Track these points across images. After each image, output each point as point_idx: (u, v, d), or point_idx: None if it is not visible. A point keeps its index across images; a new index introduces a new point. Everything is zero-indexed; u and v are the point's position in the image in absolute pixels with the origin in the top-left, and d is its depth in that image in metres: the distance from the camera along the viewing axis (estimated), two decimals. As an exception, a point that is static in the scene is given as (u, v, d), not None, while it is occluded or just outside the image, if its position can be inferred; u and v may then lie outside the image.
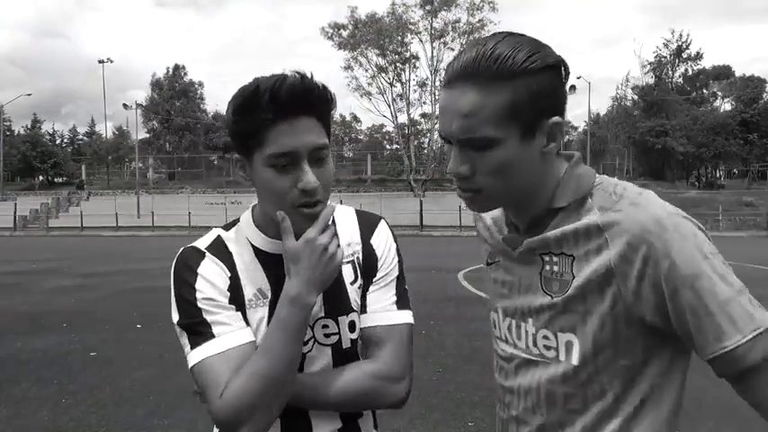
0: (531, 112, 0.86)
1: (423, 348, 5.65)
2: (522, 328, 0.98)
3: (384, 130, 58.60)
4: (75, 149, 61.01)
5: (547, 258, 0.94)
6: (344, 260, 1.11)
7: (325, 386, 1.05)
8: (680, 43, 47.18)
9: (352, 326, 1.11)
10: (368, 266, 1.14)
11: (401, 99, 40.51)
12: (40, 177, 50.50)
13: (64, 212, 37.09)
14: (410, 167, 39.32)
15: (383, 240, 1.17)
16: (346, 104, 51.87)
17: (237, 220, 1.15)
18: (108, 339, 6.17)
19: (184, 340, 1.03)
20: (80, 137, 64.03)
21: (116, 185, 45.79)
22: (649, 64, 47.25)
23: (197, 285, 1.04)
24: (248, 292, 1.07)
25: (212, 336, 1.01)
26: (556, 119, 0.88)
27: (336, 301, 1.10)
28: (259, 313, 1.07)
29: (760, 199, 32.49)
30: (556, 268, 0.93)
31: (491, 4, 37.21)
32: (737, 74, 51.53)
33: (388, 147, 59.09)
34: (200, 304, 1.03)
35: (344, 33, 38.45)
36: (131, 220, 32.87)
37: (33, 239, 26.56)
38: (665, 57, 47.75)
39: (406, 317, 1.13)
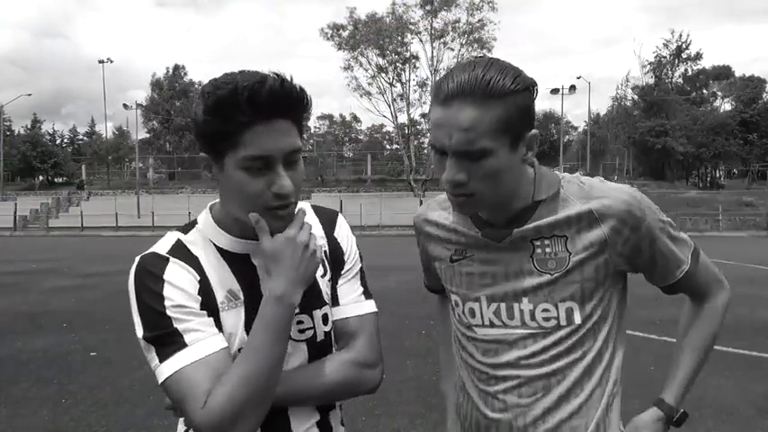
0: (518, 125, 1.01)
1: (423, 348, 5.66)
2: (515, 309, 1.15)
3: (384, 130, 58.67)
4: (75, 149, 61.00)
5: (538, 243, 1.12)
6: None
7: (307, 381, 1.06)
8: (680, 43, 47.19)
9: (325, 319, 1.13)
10: (335, 259, 1.18)
11: (401, 99, 40.54)
12: (40, 177, 50.49)
13: (64, 212, 37.09)
14: (410, 167, 39.30)
15: (345, 234, 1.21)
16: (346, 104, 51.84)
17: (195, 222, 1.11)
18: (108, 339, 6.18)
19: (152, 354, 0.98)
20: (80, 137, 64.04)
21: (116, 185, 45.79)
22: (649, 64, 47.26)
23: (165, 293, 0.98)
24: (219, 294, 1.04)
25: (185, 345, 0.96)
26: (534, 132, 1.06)
27: (310, 295, 1.10)
28: (233, 315, 1.04)
29: (760, 199, 32.49)
30: (548, 249, 1.12)
31: (491, 4, 37.26)
32: (737, 74, 51.57)
33: (388, 147, 59.10)
34: (169, 313, 0.97)
35: (344, 34, 38.45)
36: (131, 220, 32.88)
37: (33, 239, 26.56)
38: (665, 57, 47.74)
39: (373, 306, 1.19)
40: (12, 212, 33.09)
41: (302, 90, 0.97)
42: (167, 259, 1.02)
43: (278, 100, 0.93)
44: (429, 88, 39.81)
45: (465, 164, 1.01)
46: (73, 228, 31.97)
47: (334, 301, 1.16)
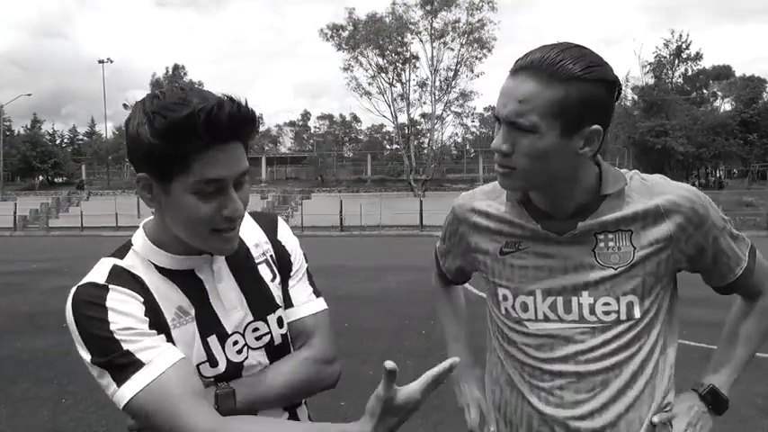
0: (575, 114, 1.00)
1: (423, 348, 5.66)
2: (574, 303, 1.14)
3: (384, 130, 58.54)
4: (75, 149, 61.02)
5: (602, 237, 1.12)
6: (258, 260, 1.15)
7: (271, 382, 1.07)
8: (680, 43, 47.15)
9: (279, 322, 1.14)
10: (282, 262, 1.19)
11: (401, 99, 40.51)
12: (40, 177, 50.46)
13: (64, 212, 37.07)
14: (410, 167, 39.28)
15: (288, 236, 1.22)
16: (346, 104, 51.86)
17: (128, 246, 1.08)
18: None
19: (106, 379, 0.94)
20: (80, 137, 64.09)
21: (116, 185, 45.75)
22: (649, 64, 47.22)
23: (109, 318, 0.95)
24: (168, 312, 1.01)
25: (141, 364, 0.93)
26: (596, 127, 1.03)
27: (262, 301, 1.12)
28: (185, 330, 1.02)
29: (760, 199, 32.46)
30: (612, 244, 1.12)
31: (490, 4, 37.22)
32: (738, 74, 51.54)
33: (388, 147, 59.02)
34: (117, 336, 0.94)
35: (344, 34, 38.44)
36: (131, 220, 32.81)
37: (33, 239, 26.56)
38: (665, 57, 47.71)
39: (324, 303, 1.21)
40: (12, 212, 33.07)
41: (254, 113, 0.95)
42: (106, 287, 0.98)
43: (235, 124, 0.91)
44: (429, 88, 39.85)
45: (513, 135, 1.03)
46: (73, 228, 31.95)
47: (287, 304, 1.17)
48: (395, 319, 7.02)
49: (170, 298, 1.03)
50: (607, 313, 1.12)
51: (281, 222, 1.24)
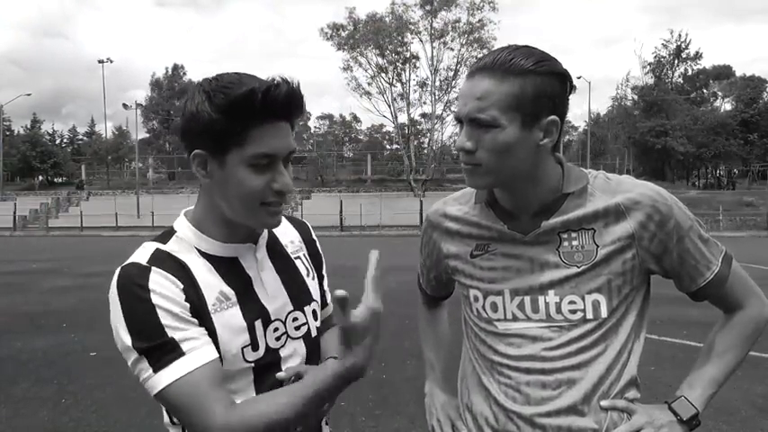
0: (532, 106, 1.04)
1: (423, 348, 5.66)
2: (541, 302, 1.15)
3: (384, 130, 58.59)
4: (74, 149, 60.99)
5: (565, 236, 1.13)
6: (293, 256, 1.22)
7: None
8: (679, 43, 47.17)
9: (314, 314, 1.20)
10: (316, 261, 1.29)
11: (401, 99, 40.55)
12: (40, 177, 50.47)
13: (64, 212, 37.09)
14: (410, 167, 39.30)
15: (316, 238, 1.32)
16: (346, 104, 51.85)
17: (172, 231, 1.10)
18: (108, 339, 6.03)
19: (142, 364, 0.97)
20: (80, 137, 64.05)
21: (116, 185, 45.78)
22: (649, 64, 47.24)
23: (154, 302, 0.97)
24: (210, 297, 1.03)
25: (182, 353, 0.96)
26: (553, 118, 1.07)
27: (300, 292, 1.17)
28: (228, 314, 1.04)
29: (760, 199, 32.47)
30: (575, 242, 1.13)
31: (491, 4, 37.25)
32: (738, 74, 51.53)
33: (388, 147, 59.06)
34: (163, 321, 0.96)
35: (344, 34, 38.44)
36: (131, 220, 32.88)
37: (33, 239, 26.56)
38: (665, 57, 47.73)
39: None
40: (12, 212, 33.08)
41: (303, 97, 1.02)
42: (149, 268, 1.00)
43: (288, 105, 0.99)
44: (429, 88, 39.86)
45: (475, 132, 1.06)
46: (73, 228, 31.97)
47: (324, 302, 1.28)
48: (395, 320, 7.01)
49: (212, 283, 1.05)
50: (573, 312, 1.13)
51: (309, 225, 1.34)
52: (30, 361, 5.44)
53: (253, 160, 0.99)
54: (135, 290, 0.98)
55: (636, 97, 46.94)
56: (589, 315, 1.12)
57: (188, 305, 1.00)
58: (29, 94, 47.82)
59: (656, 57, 47.37)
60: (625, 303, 1.14)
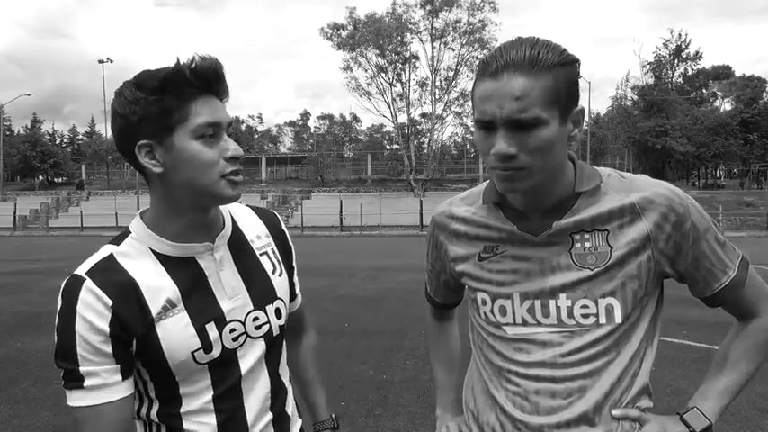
0: (566, 98, 1.00)
1: (423, 348, 5.65)
2: (552, 305, 1.10)
3: (384, 130, 58.52)
4: (74, 149, 60.97)
5: (578, 237, 1.09)
6: (259, 252, 1.19)
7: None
8: (679, 43, 47.13)
9: (278, 313, 1.18)
10: (285, 255, 1.26)
11: (401, 99, 40.51)
12: (40, 177, 50.47)
13: (64, 212, 37.08)
14: (410, 167, 39.28)
15: (286, 230, 1.30)
16: (346, 104, 51.83)
17: (127, 233, 1.10)
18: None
19: (61, 375, 1.03)
20: (80, 137, 64.00)
21: (116, 185, 45.78)
22: (649, 64, 47.21)
23: (76, 328, 0.99)
24: (155, 306, 1.03)
25: (81, 387, 1.00)
26: (581, 107, 1.04)
27: (262, 291, 1.16)
28: (175, 321, 1.04)
29: (760, 199, 32.47)
30: (588, 244, 1.08)
31: (491, 5, 37.23)
32: (738, 74, 51.52)
33: (388, 147, 59.01)
34: (78, 350, 0.99)
35: (344, 34, 38.44)
36: (131, 220, 32.80)
37: (33, 239, 26.55)
38: (665, 57, 47.70)
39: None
40: (12, 212, 33.07)
41: (224, 71, 1.04)
42: (81, 283, 1.01)
43: (215, 78, 1.01)
44: (429, 88, 39.84)
45: (516, 135, 0.98)
46: (73, 228, 31.97)
47: (293, 295, 1.30)
48: (395, 319, 7.02)
49: (160, 289, 1.04)
50: (585, 316, 1.08)
51: (279, 218, 1.31)
52: (30, 361, 5.43)
53: (200, 130, 0.99)
54: (65, 312, 1.00)
55: (636, 97, 46.90)
56: (602, 320, 1.07)
57: (111, 329, 0.99)
58: (29, 94, 48.01)
59: (655, 57, 47.32)
60: (639, 308, 1.09)
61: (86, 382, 1.00)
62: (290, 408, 1.25)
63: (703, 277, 1.10)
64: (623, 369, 1.09)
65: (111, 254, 1.05)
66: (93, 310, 0.99)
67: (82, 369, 0.99)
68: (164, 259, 1.06)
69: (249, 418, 1.12)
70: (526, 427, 1.11)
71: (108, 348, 1.00)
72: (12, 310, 8.11)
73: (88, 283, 1.00)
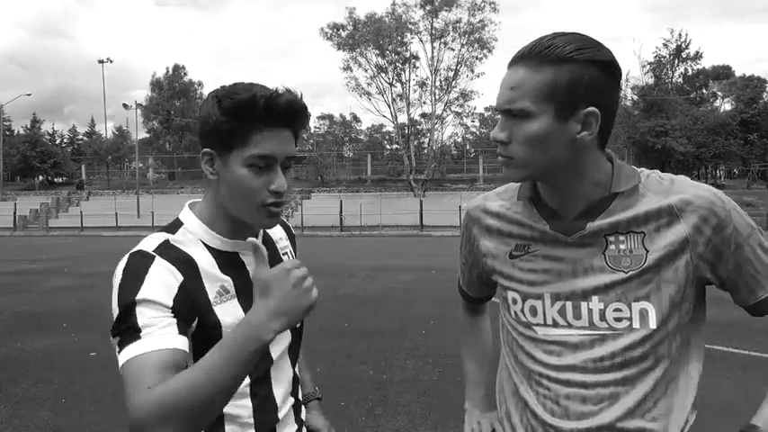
0: (568, 96, 0.97)
1: (423, 348, 5.67)
2: (583, 308, 1.08)
3: (384, 130, 58.48)
4: (74, 149, 60.91)
5: (612, 239, 1.06)
6: (282, 252, 1.31)
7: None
8: (679, 43, 47.15)
9: None
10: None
11: (401, 99, 40.50)
12: (40, 177, 50.45)
13: (64, 212, 37.09)
14: (410, 167, 39.28)
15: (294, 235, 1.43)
16: (346, 104, 51.87)
17: (179, 223, 1.15)
18: (108, 339, 6.14)
19: (115, 344, 1.00)
20: (80, 137, 63.97)
21: (116, 185, 45.80)
22: (649, 64, 47.21)
23: (141, 292, 1.00)
24: (211, 291, 1.09)
25: (138, 337, 0.97)
26: (591, 109, 0.98)
27: None
28: (229, 306, 1.11)
29: (760, 199, 32.47)
30: (623, 246, 1.05)
31: (492, 5, 37.22)
32: (738, 74, 51.54)
33: (388, 147, 59.01)
34: (138, 307, 0.99)
35: (344, 34, 38.44)
36: (131, 220, 32.87)
37: (33, 239, 26.55)
38: (665, 57, 47.71)
39: None
40: (12, 212, 33.08)
41: (306, 107, 1.10)
42: (153, 257, 1.05)
43: (288, 112, 1.07)
44: (429, 88, 39.84)
45: (509, 123, 1.03)
46: (73, 228, 31.97)
47: None
48: (395, 319, 7.03)
49: (215, 276, 1.11)
50: (618, 320, 1.05)
51: (292, 227, 1.43)
52: (30, 361, 5.44)
53: (251, 160, 1.06)
54: (129, 278, 1.02)
55: (636, 97, 46.92)
56: (636, 324, 1.04)
57: (177, 298, 1.02)
58: (29, 94, 48.01)
59: (656, 57, 47.33)
60: (677, 314, 1.05)
61: (143, 332, 0.98)
62: (300, 394, 1.34)
63: (746, 284, 1.06)
64: (659, 378, 1.06)
65: (168, 239, 1.10)
66: (164, 283, 1.02)
67: (139, 322, 0.98)
68: (213, 252, 1.13)
69: (278, 402, 1.20)
70: (556, 431, 1.10)
71: (171, 306, 1.02)
72: (12, 310, 8.12)
73: (159, 258, 1.05)
